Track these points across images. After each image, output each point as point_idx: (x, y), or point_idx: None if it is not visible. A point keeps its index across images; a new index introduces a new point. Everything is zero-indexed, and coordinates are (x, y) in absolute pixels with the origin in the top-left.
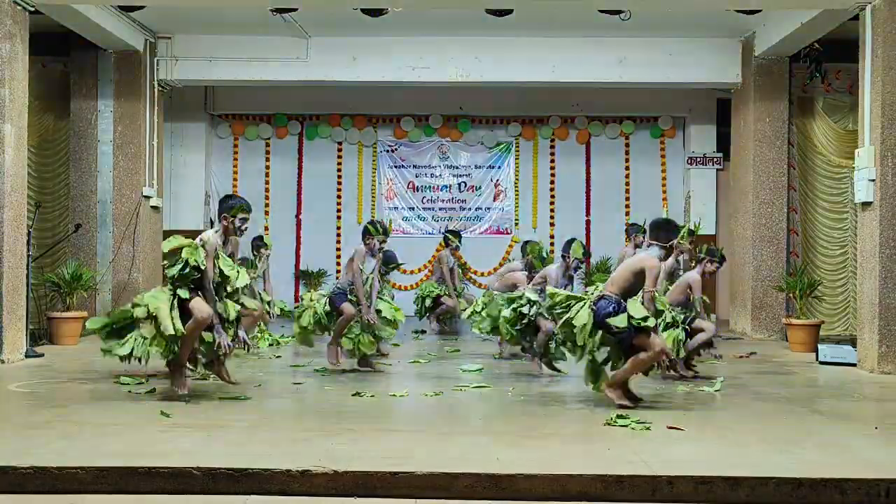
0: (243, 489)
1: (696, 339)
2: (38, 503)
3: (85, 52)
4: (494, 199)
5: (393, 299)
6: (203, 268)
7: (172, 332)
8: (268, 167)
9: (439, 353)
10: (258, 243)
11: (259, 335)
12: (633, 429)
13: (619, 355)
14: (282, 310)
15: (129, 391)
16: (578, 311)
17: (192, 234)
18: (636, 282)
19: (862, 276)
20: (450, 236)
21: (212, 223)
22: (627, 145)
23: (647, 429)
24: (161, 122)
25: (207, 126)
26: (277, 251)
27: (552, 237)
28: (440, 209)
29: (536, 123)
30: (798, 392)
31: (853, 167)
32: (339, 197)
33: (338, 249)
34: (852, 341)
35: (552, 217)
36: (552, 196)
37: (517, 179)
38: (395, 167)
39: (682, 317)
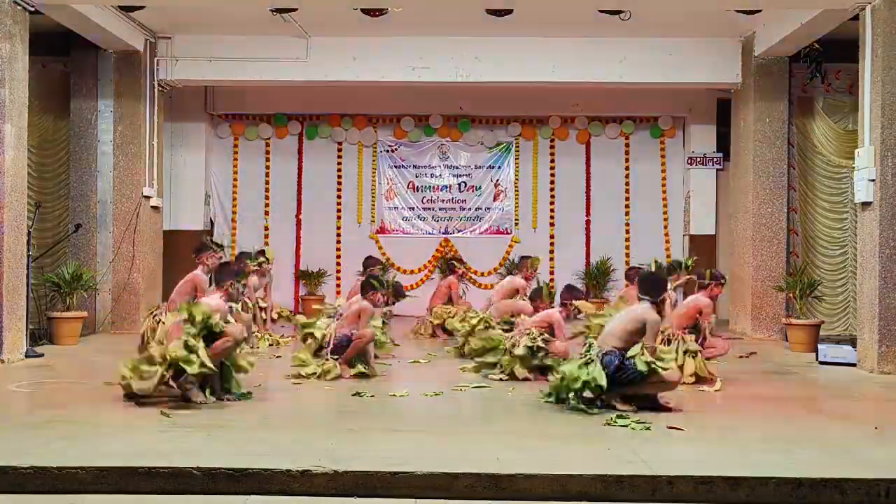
0: (243, 489)
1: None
2: (38, 503)
3: (85, 52)
4: (494, 199)
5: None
6: (218, 331)
7: (199, 371)
8: (268, 167)
9: (439, 354)
10: (258, 257)
11: (258, 335)
12: (633, 429)
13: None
14: (279, 314)
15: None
16: (591, 372)
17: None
18: (636, 333)
19: (862, 276)
20: (456, 263)
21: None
22: (627, 145)
23: (647, 429)
24: (161, 122)
25: (207, 126)
26: (277, 251)
27: (552, 237)
28: (440, 209)
29: (536, 123)
30: (798, 392)
31: (853, 167)
32: (339, 197)
33: (338, 250)
34: (852, 341)
35: (552, 217)
36: (552, 196)
37: (517, 179)
38: (395, 167)
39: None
